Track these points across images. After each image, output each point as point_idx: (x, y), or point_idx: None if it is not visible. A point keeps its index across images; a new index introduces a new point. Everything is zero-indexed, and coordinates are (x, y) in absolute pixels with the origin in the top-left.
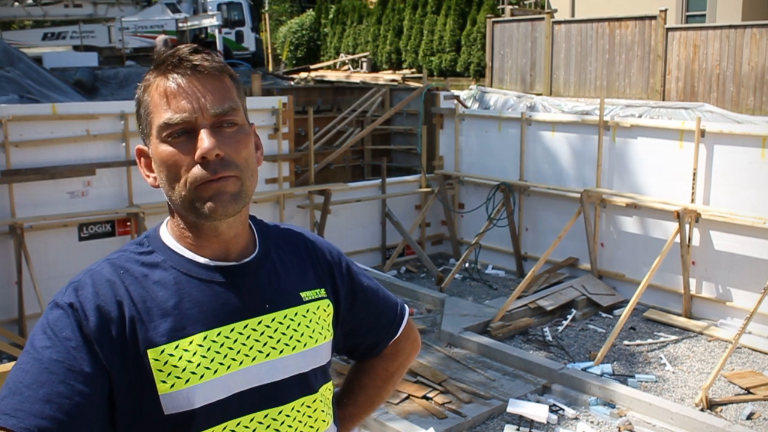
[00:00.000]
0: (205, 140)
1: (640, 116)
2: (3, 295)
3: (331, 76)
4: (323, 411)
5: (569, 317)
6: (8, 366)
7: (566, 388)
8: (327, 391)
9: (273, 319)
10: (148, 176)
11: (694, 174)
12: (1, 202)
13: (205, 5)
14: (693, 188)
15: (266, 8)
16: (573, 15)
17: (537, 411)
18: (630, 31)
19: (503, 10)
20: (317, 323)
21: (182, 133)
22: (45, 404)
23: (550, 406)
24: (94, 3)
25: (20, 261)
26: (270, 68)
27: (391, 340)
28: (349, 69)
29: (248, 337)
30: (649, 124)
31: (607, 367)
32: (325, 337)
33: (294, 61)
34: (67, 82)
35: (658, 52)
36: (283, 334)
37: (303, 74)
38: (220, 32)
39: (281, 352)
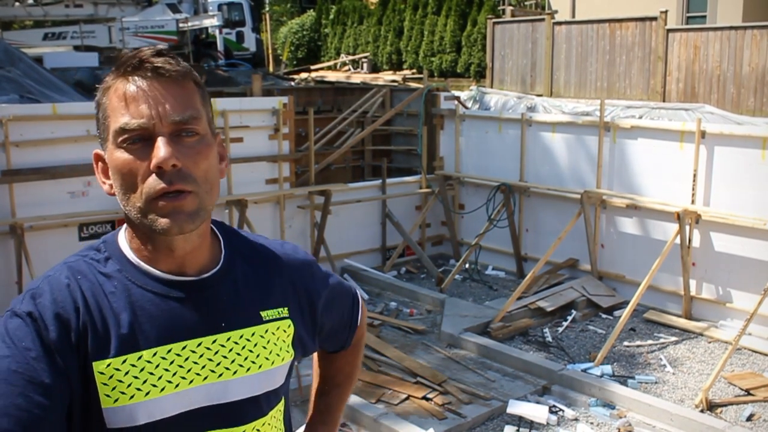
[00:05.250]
0: (161, 149)
1: (640, 117)
2: (3, 294)
3: (332, 76)
4: None
5: (569, 318)
6: None
7: (566, 389)
8: (278, 412)
9: (228, 339)
10: (104, 183)
11: (695, 175)
12: (2, 202)
13: (205, 5)
14: (693, 189)
15: (267, 8)
16: (573, 16)
17: (537, 412)
18: (630, 32)
19: (504, 11)
20: (275, 344)
21: (139, 140)
22: (2, 417)
23: (549, 407)
24: (94, 3)
25: (20, 261)
26: (270, 69)
27: (356, 331)
28: (349, 69)
29: (201, 356)
30: (650, 125)
31: (607, 368)
32: (282, 359)
33: (294, 62)
34: (67, 82)
35: (659, 53)
36: (238, 354)
37: (303, 75)
38: (220, 32)
39: (235, 372)
